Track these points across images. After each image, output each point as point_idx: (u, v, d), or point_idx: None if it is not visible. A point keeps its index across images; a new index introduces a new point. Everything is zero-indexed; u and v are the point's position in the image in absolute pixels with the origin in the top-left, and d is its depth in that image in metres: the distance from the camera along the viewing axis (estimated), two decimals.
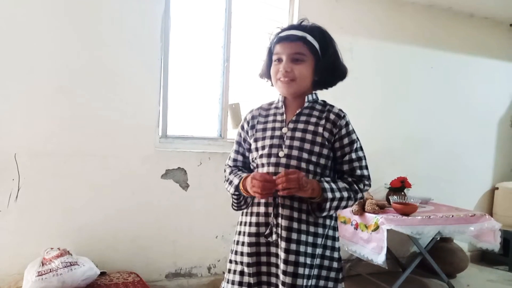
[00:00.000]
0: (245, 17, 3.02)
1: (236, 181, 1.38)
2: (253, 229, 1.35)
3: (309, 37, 1.32)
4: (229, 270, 1.41)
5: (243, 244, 1.36)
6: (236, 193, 1.39)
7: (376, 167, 3.11)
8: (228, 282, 1.39)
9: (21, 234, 2.33)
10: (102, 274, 2.33)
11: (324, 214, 1.30)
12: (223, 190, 1.46)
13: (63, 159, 2.41)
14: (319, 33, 1.36)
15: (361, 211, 2.78)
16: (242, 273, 1.36)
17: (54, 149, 2.39)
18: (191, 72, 2.89)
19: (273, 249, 1.32)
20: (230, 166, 1.50)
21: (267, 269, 1.34)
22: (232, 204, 1.45)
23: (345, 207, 1.34)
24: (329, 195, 1.26)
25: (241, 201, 1.41)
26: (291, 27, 1.37)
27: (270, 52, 1.40)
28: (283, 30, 1.37)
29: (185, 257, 2.76)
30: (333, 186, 1.28)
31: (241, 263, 1.36)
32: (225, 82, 2.95)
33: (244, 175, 1.37)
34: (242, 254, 1.36)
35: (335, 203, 1.28)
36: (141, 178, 2.61)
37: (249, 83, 3.00)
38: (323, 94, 1.46)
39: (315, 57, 1.34)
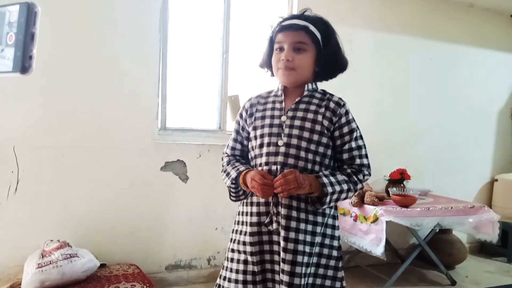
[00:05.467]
0: (244, 8, 3.00)
1: (233, 173, 1.37)
2: (255, 219, 1.35)
3: (312, 27, 1.31)
4: (231, 259, 1.39)
5: (245, 234, 1.36)
6: (233, 185, 1.39)
7: (375, 159, 3.09)
8: (231, 271, 1.37)
9: (20, 226, 2.34)
10: (102, 266, 2.34)
11: (324, 207, 1.31)
12: (222, 182, 1.45)
13: (62, 152, 2.41)
14: (322, 24, 1.35)
15: (360, 203, 2.79)
16: (246, 262, 1.35)
17: (53, 142, 2.38)
18: (190, 63, 2.88)
19: (275, 238, 1.32)
20: (228, 155, 1.49)
21: (270, 257, 1.34)
22: (230, 196, 1.45)
23: (345, 198, 1.34)
24: (329, 189, 1.25)
25: (239, 191, 1.41)
26: (294, 17, 1.36)
27: (272, 41, 1.39)
28: (286, 19, 1.36)
29: (184, 249, 2.77)
30: (332, 179, 1.28)
31: (244, 252, 1.35)
32: (224, 74, 2.93)
33: (242, 168, 1.36)
34: (244, 243, 1.36)
35: (335, 196, 1.28)
36: (140, 170, 2.60)
37: (248, 75, 2.99)
38: (322, 86, 1.45)
39: (317, 47, 1.33)
